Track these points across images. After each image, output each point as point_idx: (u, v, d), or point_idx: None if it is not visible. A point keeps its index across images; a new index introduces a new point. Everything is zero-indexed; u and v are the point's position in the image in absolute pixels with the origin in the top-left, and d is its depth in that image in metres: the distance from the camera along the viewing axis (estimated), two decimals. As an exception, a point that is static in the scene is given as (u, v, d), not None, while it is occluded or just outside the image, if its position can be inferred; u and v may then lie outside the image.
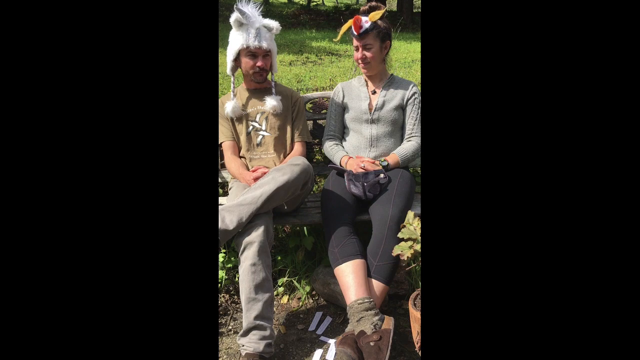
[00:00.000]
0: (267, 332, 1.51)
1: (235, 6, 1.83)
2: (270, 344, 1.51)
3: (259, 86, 1.97)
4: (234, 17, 1.81)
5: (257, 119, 1.96)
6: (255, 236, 1.55)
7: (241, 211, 1.54)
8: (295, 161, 1.69)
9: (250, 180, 1.80)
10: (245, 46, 1.84)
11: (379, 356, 1.39)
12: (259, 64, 1.87)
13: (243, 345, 1.51)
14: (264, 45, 1.85)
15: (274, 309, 1.57)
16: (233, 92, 1.96)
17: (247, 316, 1.51)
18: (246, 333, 1.52)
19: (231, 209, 1.55)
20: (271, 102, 1.92)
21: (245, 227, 1.56)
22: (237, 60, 1.91)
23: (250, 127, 1.95)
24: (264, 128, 1.95)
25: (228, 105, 1.92)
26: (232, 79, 1.98)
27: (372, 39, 1.87)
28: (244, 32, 1.83)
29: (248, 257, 1.54)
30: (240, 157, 1.98)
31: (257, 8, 1.88)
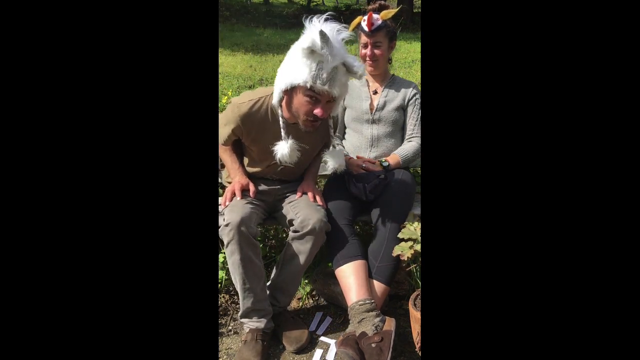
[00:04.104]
0: (265, 310, 1.62)
1: (314, 23, 1.35)
2: (270, 319, 1.63)
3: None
4: (310, 40, 1.30)
5: None
6: (236, 230, 1.48)
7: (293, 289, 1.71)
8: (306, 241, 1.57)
9: (235, 182, 1.64)
10: (308, 85, 1.35)
11: (381, 357, 1.39)
12: (317, 111, 1.41)
13: (245, 323, 1.62)
14: (335, 92, 1.38)
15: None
16: (284, 130, 1.50)
17: (245, 303, 1.59)
18: (246, 315, 1.62)
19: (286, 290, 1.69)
20: (332, 164, 1.56)
21: (224, 222, 1.51)
22: (287, 90, 1.44)
23: (274, 162, 1.63)
24: (289, 161, 1.62)
25: (282, 148, 1.48)
26: (279, 111, 1.50)
27: (383, 37, 1.87)
28: (314, 64, 1.34)
29: (234, 251, 1.50)
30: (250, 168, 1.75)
31: (341, 35, 1.39)
